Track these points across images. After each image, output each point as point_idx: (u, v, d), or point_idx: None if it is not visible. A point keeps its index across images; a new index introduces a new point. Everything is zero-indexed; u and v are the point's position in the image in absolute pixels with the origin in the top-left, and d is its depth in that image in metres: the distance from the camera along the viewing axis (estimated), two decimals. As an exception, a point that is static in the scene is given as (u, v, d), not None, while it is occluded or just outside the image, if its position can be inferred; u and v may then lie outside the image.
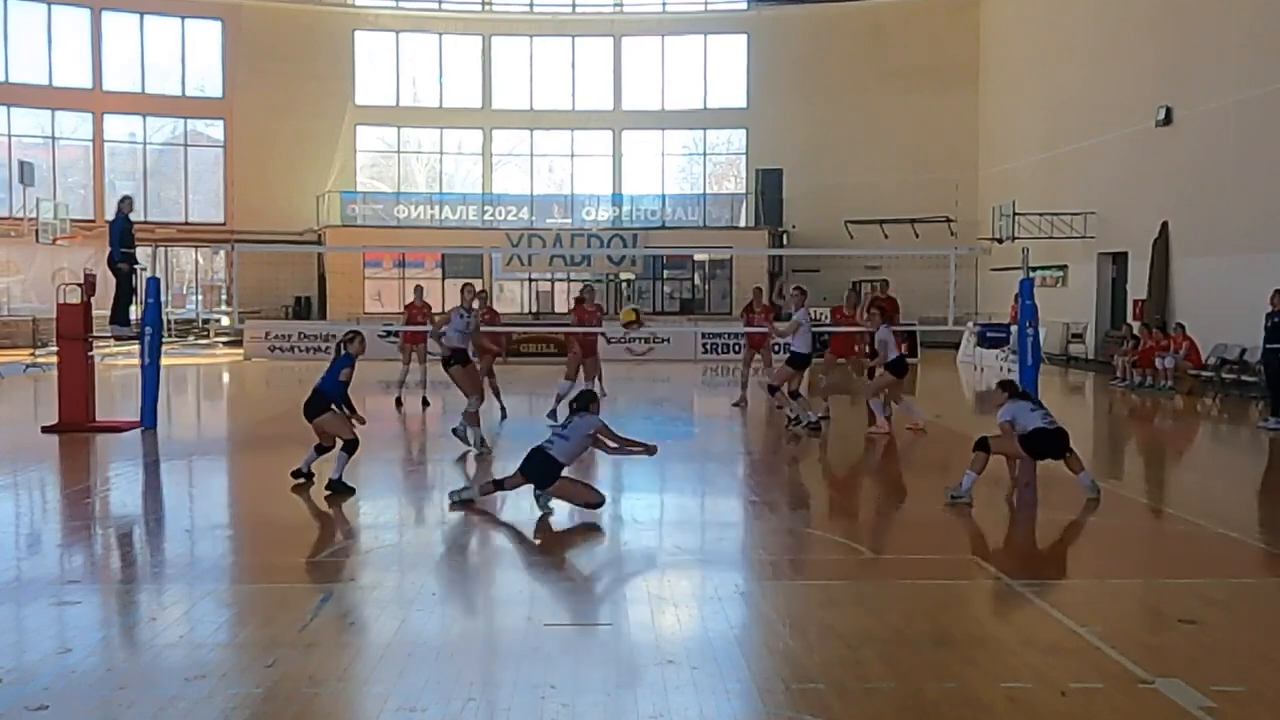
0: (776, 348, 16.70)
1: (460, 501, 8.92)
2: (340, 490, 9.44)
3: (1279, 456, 12.88)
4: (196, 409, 19.04)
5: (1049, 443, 9.23)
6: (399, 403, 16.04)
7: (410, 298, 17.25)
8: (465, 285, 12.98)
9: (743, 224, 34.79)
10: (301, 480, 9.81)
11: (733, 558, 7.87)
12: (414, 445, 13.70)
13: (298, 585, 6.86)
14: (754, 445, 13.77)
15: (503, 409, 14.86)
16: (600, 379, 15.29)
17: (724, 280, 34.43)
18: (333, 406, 9.65)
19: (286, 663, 5.26)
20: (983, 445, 9.20)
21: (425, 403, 16.17)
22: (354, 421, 9.73)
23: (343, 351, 9.77)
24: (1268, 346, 14.74)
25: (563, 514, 9.25)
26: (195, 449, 13.02)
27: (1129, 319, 23.68)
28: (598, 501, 8.66)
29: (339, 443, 9.68)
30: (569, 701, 4.80)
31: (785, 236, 33.55)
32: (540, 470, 8.60)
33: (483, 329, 15.84)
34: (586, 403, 9.00)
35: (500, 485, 8.91)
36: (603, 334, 15.67)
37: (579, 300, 15.85)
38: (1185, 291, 22.13)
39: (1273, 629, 6.16)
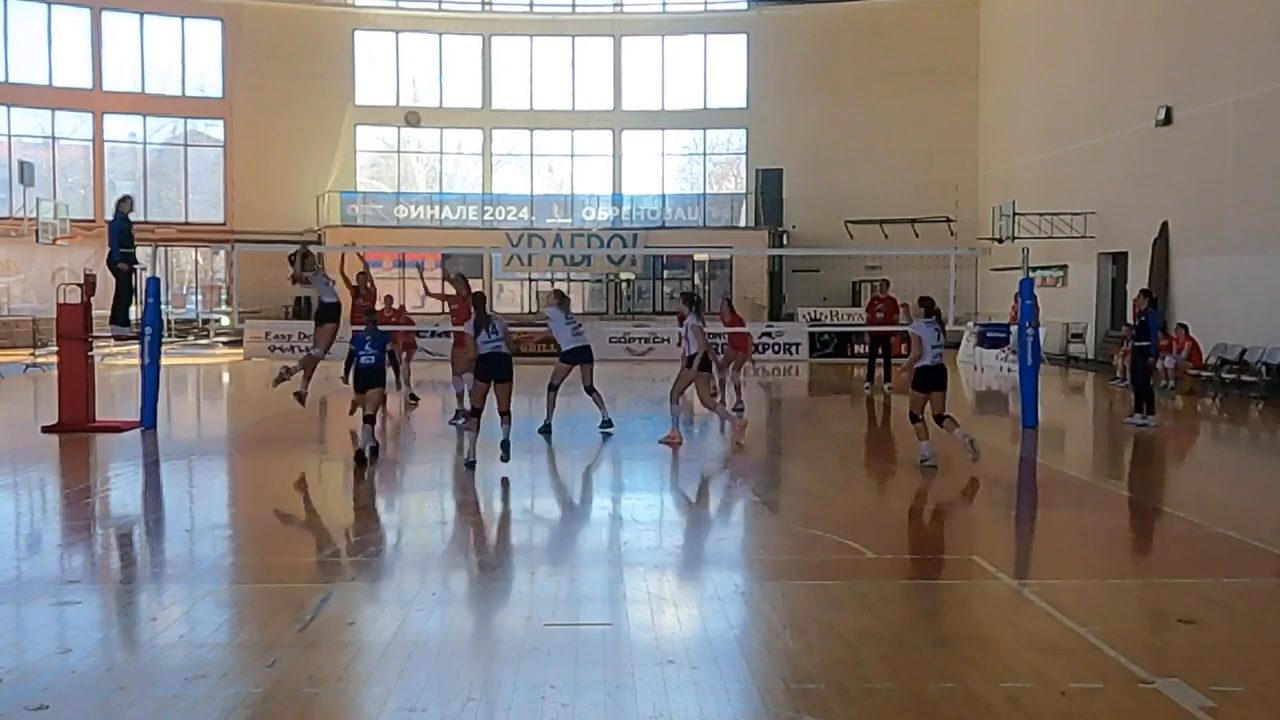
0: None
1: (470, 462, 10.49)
2: (374, 457, 10.88)
3: (1278, 456, 12.90)
4: (196, 409, 19.04)
5: (929, 378, 10.70)
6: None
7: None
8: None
9: (743, 224, 34.78)
10: (368, 460, 10.79)
11: (733, 558, 7.87)
12: (411, 445, 13.69)
13: (298, 585, 6.86)
14: (753, 445, 13.75)
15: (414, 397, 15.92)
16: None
17: (724, 280, 34.42)
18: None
19: (286, 663, 5.27)
20: (912, 417, 10.88)
21: (414, 399, 16.27)
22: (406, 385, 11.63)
23: (376, 330, 11.25)
24: (1136, 345, 15.08)
25: (563, 512, 9.27)
26: (195, 449, 13.01)
27: (1129, 319, 23.62)
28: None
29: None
30: (569, 701, 4.80)
31: (785, 236, 33.55)
32: (504, 366, 10.60)
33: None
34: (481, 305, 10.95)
35: (475, 414, 10.65)
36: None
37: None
38: (1185, 292, 22.12)
39: (1273, 629, 6.16)
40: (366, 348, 11.13)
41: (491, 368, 10.55)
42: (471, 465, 10.45)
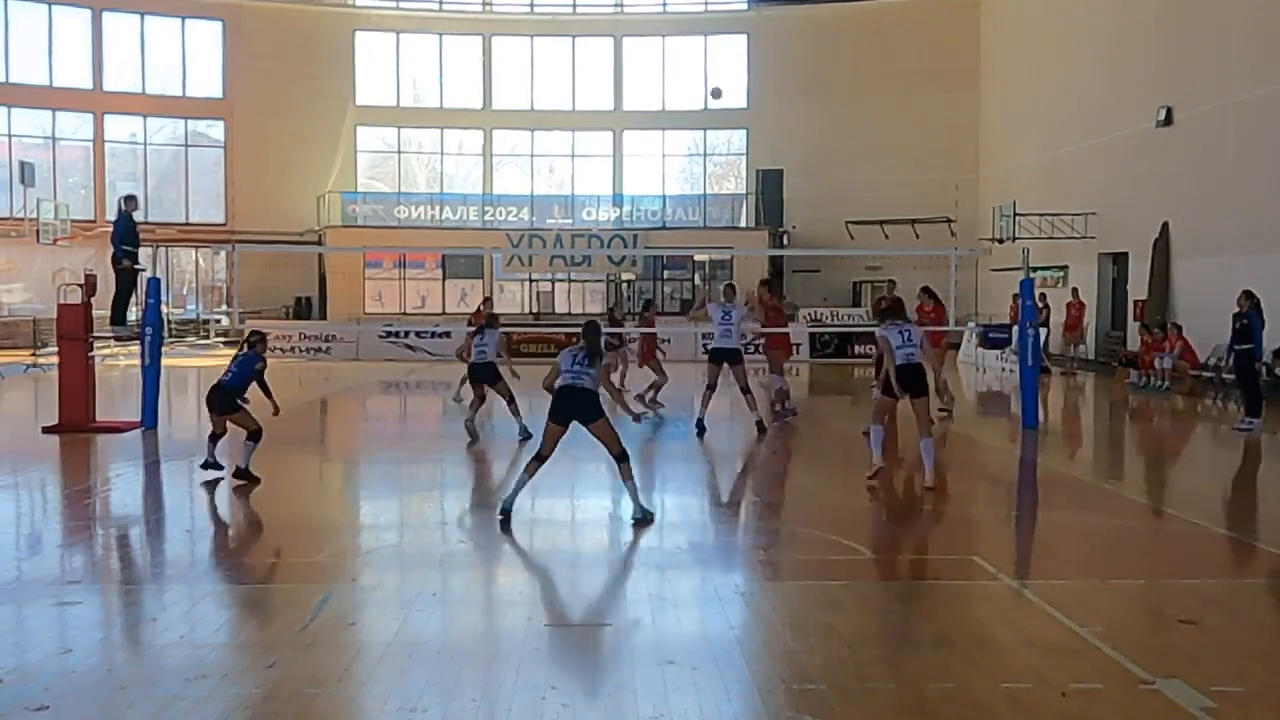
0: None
1: (505, 511, 8.36)
2: (248, 478, 9.94)
3: (1278, 456, 12.89)
4: (197, 409, 19.00)
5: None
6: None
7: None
8: None
9: (743, 224, 34.80)
10: (216, 475, 10.21)
11: (733, 558, 7.86)
12: (413, 446, 13.69)
13: (298, 585, 6.86)
14: (753, 446, 13.74)
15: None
16: None
17: (725, 281, 34.41)
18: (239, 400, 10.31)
19: (287, 663, 5.27)
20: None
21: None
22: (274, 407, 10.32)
23: (253, 351, 10.41)
24: (1236, 348, 14.60)
25: (563, 512, 9.26)
26: (195, 449, 12.95)
27: (1130, 319, 23.60)
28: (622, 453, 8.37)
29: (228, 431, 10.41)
30: (569, 701, 4.80)
31: (786, 237, 33.56)
32: (585, 406, 8.25)
33: None
34: (596, 339, 8.55)
35: (542, 459, 8.38)
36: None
37: None
38: (1185, 292, 22.11)
39: (1273, 629, 6.16)
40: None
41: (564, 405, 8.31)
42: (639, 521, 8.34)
